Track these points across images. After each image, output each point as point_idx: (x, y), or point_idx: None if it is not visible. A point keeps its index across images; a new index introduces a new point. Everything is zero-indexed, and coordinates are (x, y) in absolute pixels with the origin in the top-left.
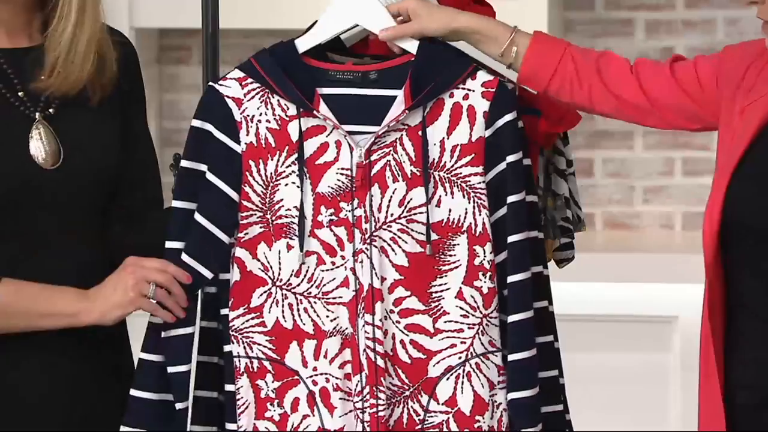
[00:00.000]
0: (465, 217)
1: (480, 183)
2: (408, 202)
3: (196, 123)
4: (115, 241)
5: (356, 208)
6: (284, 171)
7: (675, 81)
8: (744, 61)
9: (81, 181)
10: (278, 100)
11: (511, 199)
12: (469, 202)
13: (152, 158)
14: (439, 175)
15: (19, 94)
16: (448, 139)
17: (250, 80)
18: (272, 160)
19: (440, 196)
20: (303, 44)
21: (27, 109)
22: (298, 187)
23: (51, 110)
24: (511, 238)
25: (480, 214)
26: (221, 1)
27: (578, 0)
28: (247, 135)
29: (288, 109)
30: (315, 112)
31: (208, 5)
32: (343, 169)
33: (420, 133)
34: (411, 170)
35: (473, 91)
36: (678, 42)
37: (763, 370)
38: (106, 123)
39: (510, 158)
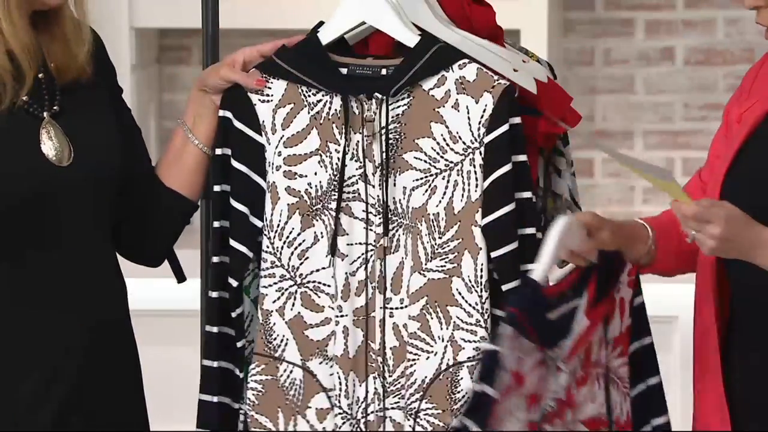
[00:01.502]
0: None
1: None
2: None
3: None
4: (123, 236)
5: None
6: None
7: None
8: (748, 81)
9: (93, 176)
10: None
11: None
12: None
13: (146, 151)
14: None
15: (24, 98)
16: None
17: None
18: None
19: None
20: None
21: (34, 110)
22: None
23: (56, 108)
24: None
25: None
26: (221, 1)
27: (578, 0)
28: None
29: None
30: None
31: (208, 5)
32: None
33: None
34: None
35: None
36: (678, 42)
37: (764, 369)
38: (106, 117)
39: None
